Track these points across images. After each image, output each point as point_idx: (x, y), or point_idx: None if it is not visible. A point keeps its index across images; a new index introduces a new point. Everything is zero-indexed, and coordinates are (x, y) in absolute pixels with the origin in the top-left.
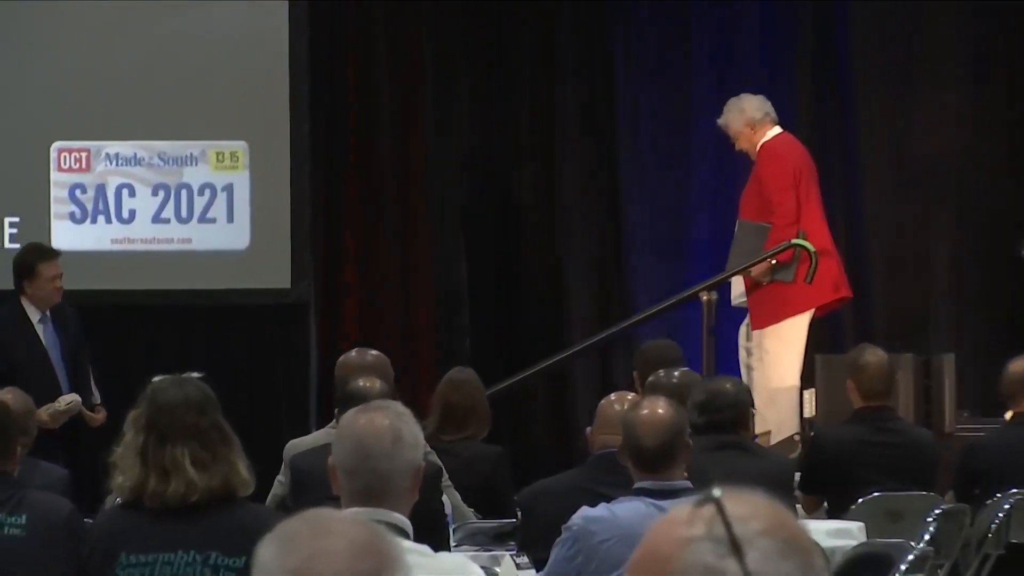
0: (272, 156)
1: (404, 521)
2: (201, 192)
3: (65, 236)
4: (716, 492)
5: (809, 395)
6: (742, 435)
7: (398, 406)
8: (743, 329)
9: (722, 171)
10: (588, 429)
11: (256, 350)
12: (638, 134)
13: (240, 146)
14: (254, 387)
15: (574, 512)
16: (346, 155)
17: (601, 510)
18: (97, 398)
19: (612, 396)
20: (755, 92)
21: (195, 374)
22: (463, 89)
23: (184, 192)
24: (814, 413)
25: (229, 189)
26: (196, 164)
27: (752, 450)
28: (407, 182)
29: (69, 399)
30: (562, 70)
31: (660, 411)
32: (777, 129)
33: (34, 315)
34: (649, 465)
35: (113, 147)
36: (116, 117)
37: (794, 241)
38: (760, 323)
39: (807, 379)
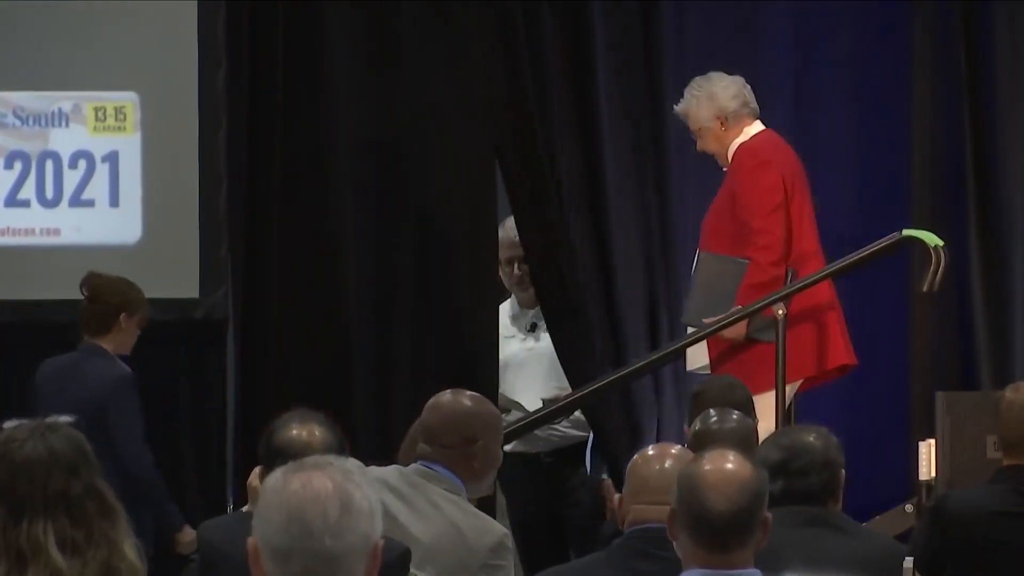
0: (173, 113)
1: None
2: (74, 164)
3: None
4: None
5: (927, 448)
6: (830, 507)
7: (346, 462)
8: None
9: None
10: (617, 497)
11: (152, 384)
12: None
13: (129, 99)
14: (148, 438)
15: None
16: (276, 112)
17: None
18: None
19: (650, 451)
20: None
21: (64, 418)
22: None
23: (50, 163)
24: (934, 473)
25: (113, 159)
26: (67, 124)
27: (844, 527)
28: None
29: None
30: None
31: (731, 467)
32: (758, 126)
33: None
34: (715, 541)
35: None
36: None
37: (906, 232)
38: None
39: (924, 427)
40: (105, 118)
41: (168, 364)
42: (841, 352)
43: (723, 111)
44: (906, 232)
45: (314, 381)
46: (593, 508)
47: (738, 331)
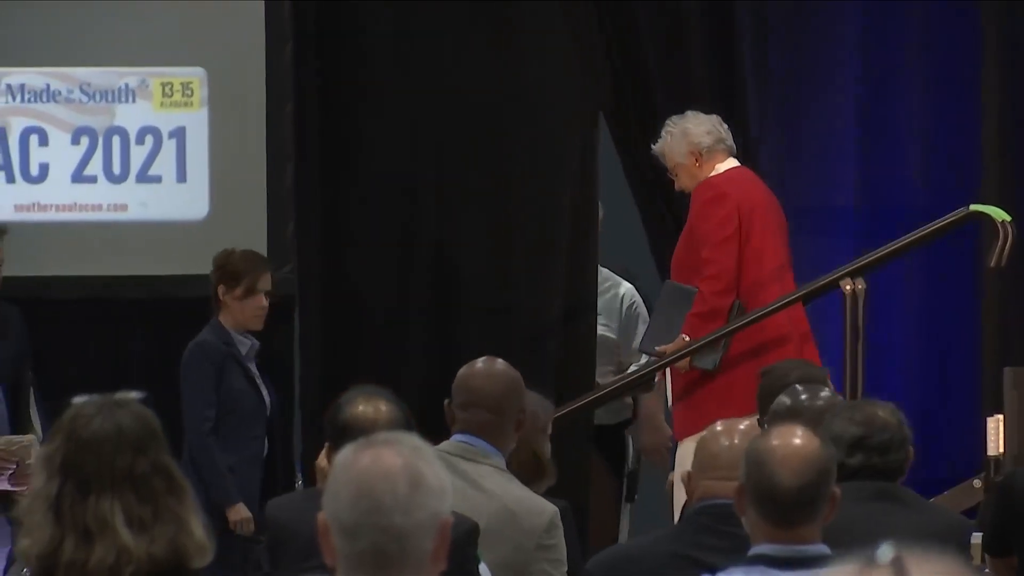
0: (240, 89)
1: None
2: (141, 139)
3: None
4: (889, 553)
5: (995, 424)
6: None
7: (414, 439)
8: None
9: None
10: (682, 473)
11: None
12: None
13: (196, 74)
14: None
15: None
16: (345, 87)
17: None
18: (39, 434)
19: (718, 426)
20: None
21: (133, 394)
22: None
23: (117, 139)
24: (1002, 449)
25: (180, 135)
26: (134, 100)
27: (912, 502)
28: (443, 120)
29: (20, 440)
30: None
31: (801, 442)
32: (731, 162)
33: None
34: (782, 517)
35: (16, 75)
36: (21, 33)
37: (975, 207)
38: (683, 429)
39: (993, 402)
40: (172, 94)
41: None
42: None
43: (697, 147)
44: (974, 207)
45: (380, 358)
46: None
47: (683, 362)
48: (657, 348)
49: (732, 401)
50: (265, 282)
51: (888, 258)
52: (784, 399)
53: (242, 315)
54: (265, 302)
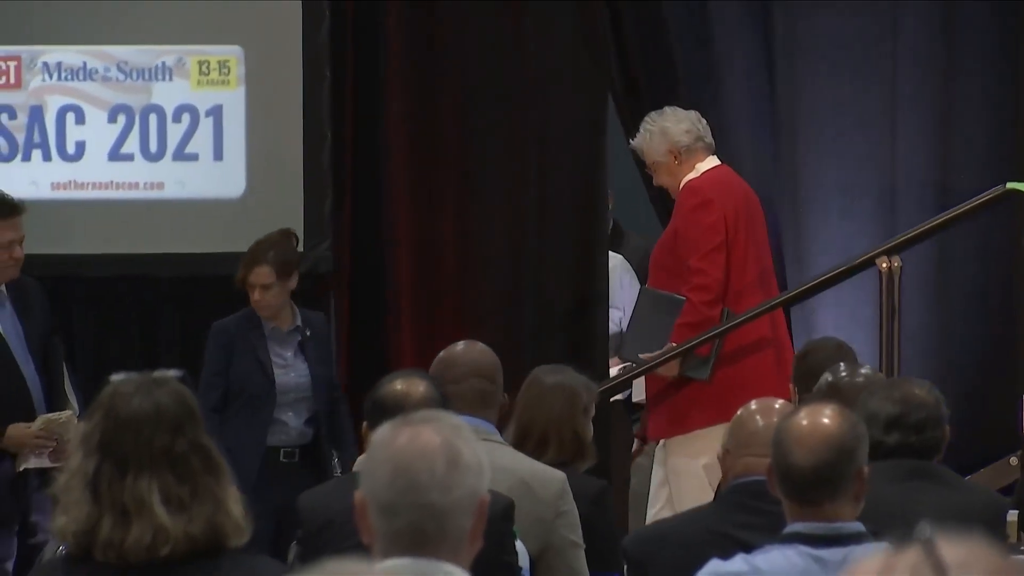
0: (277, 67)
1: None
2: (177, 118)
3: None
4: (924, 532)
5: None
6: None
7: (452, 418)
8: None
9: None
10: (721, 450)
11: None
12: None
13: (232, 53)
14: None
15: (700, 566)
16: (382, 64)
17: (738, 563)
18: (75, 407)
19: (754, 404)
20: None
21: (171, 373)
22: None
23: (154, 117)
24: None
25: (216, 113)
26: (170, 78)
27: (947, 480)
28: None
29: (58, 417)
30: None
31: (825, 420)
32: (711, 161)
33: None
34: (802, 495)
35: (53, 53)
36: (58, 12)
37: (1011, 184)
38: (658, 431)
39: None
40: (209, 72)
41: None
42: (775, 391)
43: (676, 145)
44: (1010, 185)
45: (418, 334)
46: None
47: (670, 369)
48: (642, 356)
49: (708, 403)
50: (258, 276)
51: (924, 236)
52: (827, 376)
53: (253, 300)
54: (258, 295)
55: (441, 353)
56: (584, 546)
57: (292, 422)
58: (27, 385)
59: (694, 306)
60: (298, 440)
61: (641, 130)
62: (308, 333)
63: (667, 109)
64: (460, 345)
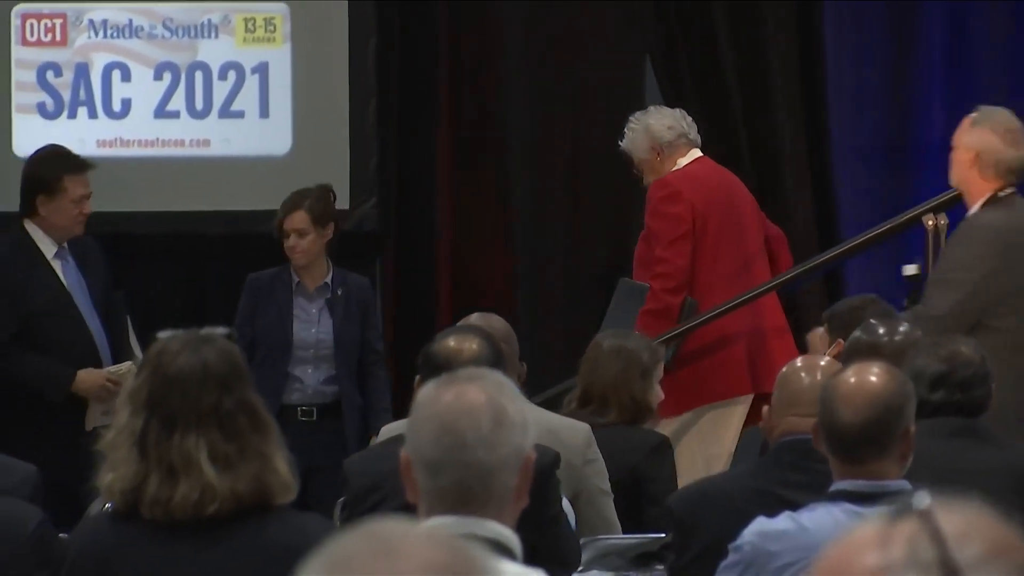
0: (323, 24)
1: (508, 535)
2: (223, 75)
3: (31, 136)
4: (920, 500)
5: None
6: (980, 419)
7: (498, 376)
8: None
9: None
10: (764, 408)
11: None
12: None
13: (278, 10)
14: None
15: (746, 524)
16: (429, 22)
17: (783, 522)
18: (140, 360)
19: (799, 362)
20: None
21: (219, 330)
22: None
23: (200, 75)
24: None
25: (262, 70)
26: (216, 35)
27: (994, 439)
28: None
29: (119, 368)
30: None
31: (873, 378)
32: (693, 154)
33: (47, 248)
34: (847, 453)
35: (99, 11)
36: None
37: None
38: None
39: None
40: (255, 29)
41: None
42: (742, 383)
43: (658, 141)
44: None
45: (465, 291)
46: None
47: None
48: None
49: (668, 395)
50: (293, 221)
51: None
52: (860, 335)
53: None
54: (293, 241)
55: (457, 324)
56: (612, 495)
57: (308, 379)
58: (94, 339)
59: (655, 294)
60: (315, 399)
61: (626, 130)
62: (339, 292)
63: (651, 107)
64: (474, 316)
